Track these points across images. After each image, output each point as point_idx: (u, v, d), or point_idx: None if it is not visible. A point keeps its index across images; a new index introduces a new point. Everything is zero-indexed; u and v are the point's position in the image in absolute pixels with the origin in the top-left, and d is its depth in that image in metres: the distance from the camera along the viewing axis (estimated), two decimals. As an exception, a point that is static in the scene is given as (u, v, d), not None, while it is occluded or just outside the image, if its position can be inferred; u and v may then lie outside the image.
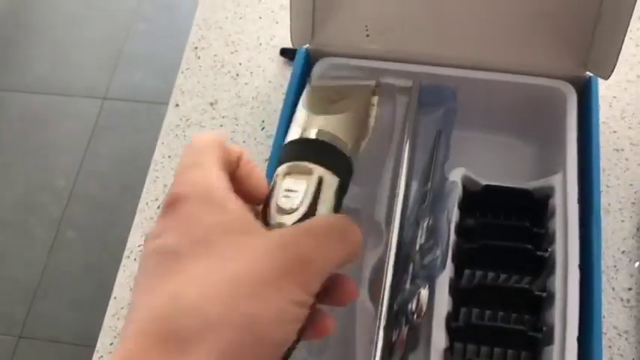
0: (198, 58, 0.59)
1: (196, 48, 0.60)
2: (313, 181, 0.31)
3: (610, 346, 0.45)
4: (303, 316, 0.27)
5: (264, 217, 0.31)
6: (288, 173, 0.32)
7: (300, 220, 0.30)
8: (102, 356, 0.47)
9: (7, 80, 1.75)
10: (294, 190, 0.31)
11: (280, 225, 0.30)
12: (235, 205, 0.28)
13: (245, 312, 0.25)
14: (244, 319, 0.24)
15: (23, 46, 1.80)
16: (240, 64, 0.59)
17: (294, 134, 0.34)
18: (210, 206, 0.27)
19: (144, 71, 1.73)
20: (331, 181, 0.32)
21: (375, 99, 0.38)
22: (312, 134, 0.34)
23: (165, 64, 1.72)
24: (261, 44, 0.59)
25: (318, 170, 0.31)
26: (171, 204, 0.27)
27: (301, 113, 0.36)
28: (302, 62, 0.49)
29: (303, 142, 0.33)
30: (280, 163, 0.33)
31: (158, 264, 0.26)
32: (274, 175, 0.32)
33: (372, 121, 0.37)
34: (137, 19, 1.81)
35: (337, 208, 0.32)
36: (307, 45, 0.49)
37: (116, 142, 1.64)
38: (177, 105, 0.57)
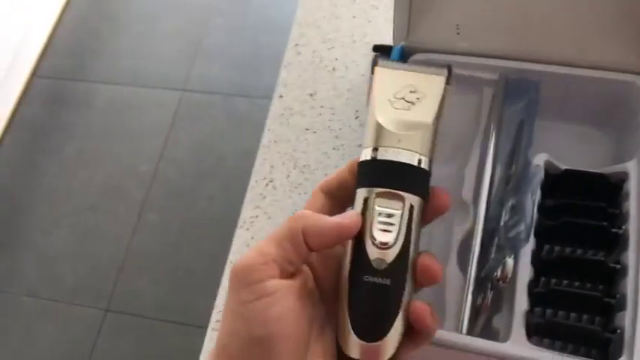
0: (299, 54, 0.66)
1: (297, 45, 0.66)
2: (406, 210, 0.32)
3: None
4: None
5: (357, 244, 0.33)
6: (378, 197, 0.33)
7: (399, 254, 0.32)
8: (220, 311, 0.54)
9: (97, 72, 1.87)
10: (388, 221, 0.32)
11: (380, 262, 0.32)
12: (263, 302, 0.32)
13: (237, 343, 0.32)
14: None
15: (110, 40, 1.91)
16: (336, 59, 0.65)
17: (378, 152, 0.33)
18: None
19: (220, 64, 1.82)
20: (419, 206, 0.33)
21: (448, 90, 0.35)
22: (399, 156, 0.33)
23: (240, 58, 1.81)
24: (355, 41, 0.66)
25: (409, 198, 0.32)
26: (231, 273, 0.33)
27: (376, 124, 0.34)
28: (397, 57, 0.55)
29: (391, 165, 0.33)
30: (367, 182, 0.33)
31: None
32: (362, 196, 0.33)
33: (443, 116, 0.35)
34: (214, 14, 1.90)
35: (420, 227, 0.34)
36: (403, 42, 0.55)
37: (194, 131, 1.73)
38: (280, 96, 0.64)
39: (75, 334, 1.50)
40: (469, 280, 0.47)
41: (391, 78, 0.35)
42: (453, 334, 0.45)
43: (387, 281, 0.32)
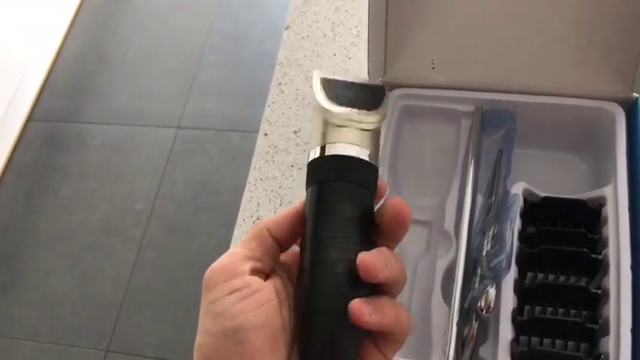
0: (282, 92, 0.67)
1: (280, 84, 0.68)
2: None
3: (664, 340, 0.50)
4: None
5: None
6: None
7: None
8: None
9: (92, 113, 1.89)
10: None
11: None
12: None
13: None
14: None
15: (105, 80, 1.94)
16: (318, 96, 0.66)
17: (323, 148, 0.34)
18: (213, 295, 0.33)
19: (214, 100, 1.84)
20: (374, 194, 0.34)
21: (384, 110, 0.37)
22: (347, 150, 0.33)
23: (233, 93, 1.83)
24: (336, 78, 0.67)
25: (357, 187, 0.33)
26: (205, 277, 0.34)
27: (323, 120, 0.35)
28: (376, 94, 0.56)
29: (348, 160, 0.33)
30: (317, 178, 0.33)
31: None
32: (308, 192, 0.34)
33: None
34: (207, 51, 1.93)
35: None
36: (381, 78, 0.56)
37: (189, 167, 1.74)
38: (265, 134, 0.65)
39: (76, 376, 1.49)
40: (453, 311, 0.48)
41: (333, 85, 0.37)
42: (439, 367, 0.46)
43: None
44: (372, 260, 0.31)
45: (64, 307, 1.57)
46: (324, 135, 0.34)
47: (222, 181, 1.69)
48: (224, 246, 0.59)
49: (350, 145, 0.34)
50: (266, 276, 0.34)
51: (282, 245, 0.35)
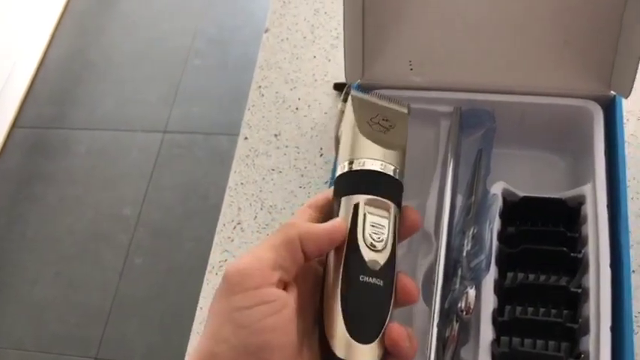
0: (262, 95, 0.67)
1: (260, 87, 0.67)
2: (392, 216, 0.35)
3: (637, 332, 0.50)
4: None
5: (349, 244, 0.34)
6: (368, 204, 0.35)
7: (389, 258, 0.34)
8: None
9: (77, 119, 1.88)
10: (379, 225, 0.34)
11: (375, 263, 0.34)
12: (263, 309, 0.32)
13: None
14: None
15: (90, 85, 1.93)
16: (299, 99, 0.66)
17: (364, 162, 0.36)
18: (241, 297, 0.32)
19: (200, 104, 1.83)
20: (398, 215, 0.36)
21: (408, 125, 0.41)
22: (385, 168, 0.36)
23: (219, 97, 1.82)
24: (316, 80, 0.67)
25: (393, 208, 0.35)
26: (224, 276, 0.32)
27: (359, 139, 0.37)
28: (355, 95, 0.56)
29: (380, 176, 0.36)
30: (353, 190, 0.35)
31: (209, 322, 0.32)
32: (350, 203, 0.35)
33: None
34: (192, 55, 1.92)
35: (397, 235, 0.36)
36: (359, 80, 0.56)
37: (177, 172, 1.73)
38: (245, 138, 0.64)
39: (64, 384, 1.48)
40: (434, 312, 0.47)
41: (364, 105, 0.39)
42: (420, 369, 0.45)
43: (381, 282, 0.34)
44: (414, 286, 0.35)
45: (51, 315, 1.55)
46: (352, 149, 0.37)
47: (210, 185, 1.69)
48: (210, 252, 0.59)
49: (378, 161, 0.36)
50: (286, 285, 0.33)
51: (306, 258, 0.33)
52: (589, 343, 0.44)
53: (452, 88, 0.56)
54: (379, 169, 0.36)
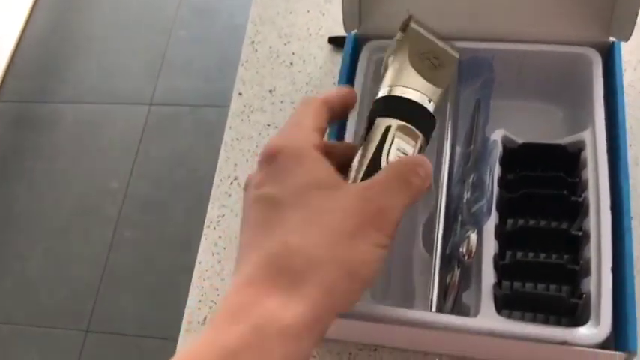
0: (256, 51, 0.66)
1: (253, 42, 0.66)
2: (417, 147, 0.36)
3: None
4: (384, 256, 0.32)
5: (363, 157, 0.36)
6: (399, 130, 0.36)
7: None
8: (192, 312, 0.54)
9: (61, 92, 1.85)
10: (403, 151, 0.36)
11: None
12: (325, 164, 0.33)
13: (341, 256, 0.30)
14: (341, 262, 0.30)
15: (73, 58, 1.90)
16: (293, 53, 0.65)
17: (405, 91, 0.38)
18: (304, 163, 0.33)
19: (186, 76, 1.81)
20: (424, 148, 0.37)
21: (454, 71, 0.44)
22: (424, 101, 0.37)
23: (205, 68, 1.80)
24: (310, 35, 0.66)
25: (421, 139, 0.37)
26: (272, 155, 0.33)
27: (408, 68, 0.39)
28: (351, 46, 0.55)
29: (418, 107, 0.37)
30: (390, 111, 0.37)
31: (261, 213, 0.32)
32: (384, 124, 0.36)
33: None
34: (177, 26, 1.89)
35: None
36: (355, 30, 0.55)
37: (164, 144, 1.72)
38: (240, 94, 0.64)
39: (56, 357, 1.47)
40: (435, 258, 0.48)
41: (420, 39, 0.40)
42: (422, 313, 0.45)
43: None
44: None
45: (41, 289, 1.55)
46: (398, 77, 0.38)
47: (198, 157, 1.67)
48: (203, 222, 0.58)
49: (419, 92, 0.38)
50: None
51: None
52: (590, 284, 0.44)
53: (450, 37, 0.55)
54: (418, 100, 0.37)
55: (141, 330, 1.47)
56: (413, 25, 0.41)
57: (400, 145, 0.36)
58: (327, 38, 0.65)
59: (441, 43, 0.41)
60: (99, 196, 1.67)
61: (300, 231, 0.31)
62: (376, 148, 0.36)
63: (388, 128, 0.36)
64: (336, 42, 0.64)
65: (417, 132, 0.36)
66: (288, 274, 0.30)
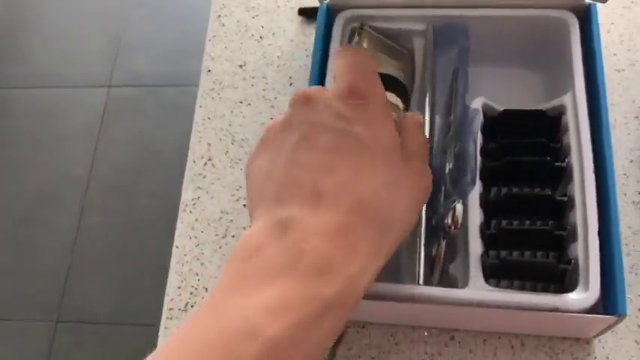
0: (223, 25, 0.63)
1: (219, 16, 0.64)
2: (400, 112, 0.40)
3: (626, 244, 0.51)
4: None
5: None
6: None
7: None
8: (172, 299, 0.52)
9: (14, 78, 1.78)
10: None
11: None
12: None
13: (411, 219, 0.34)
14: (410, 223, 0.34)
15: (24, 44, 1.83)
16: (262, 26, 0.63)
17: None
18: (388, 123, 0.33)
19: (145, 56, 1.76)
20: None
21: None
22: (391, 71, 0.41)
23: (165, 47, 1.76)
24: (279, 7, 0.64)
25: (401, 104, 0.41)
26: (364, 97, 0.32)
27: (373, 55, 0.44)
28: (324, 16, 0.53)
29: (388, 77, 0.41)
30: None
31: (349, 150, 0.31)
32: None
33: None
34: (134, 5, 1.84)
35: None
36: (327, 0, 0.53)
37: (126, 127, 1.68)
38: (209, 71, 0.61)
39: (27, 350, 1.44)
40: (420, 231, 0.47)
41: (373, 39, 0.48)
42: (410, 287, 0.45)
43: None
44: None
45: (7, 282, 1.51)
46: None
47: (162, 139, 1.64)
48: (170, 204, 0.56)
49: (385, 66, 0.44)
50: None
51: None
52: (577, 249, 0.44)
53: (424, 4, 0.54)
54: (393, 74, 0.43)
55: (114, 317, 1.45)
56: (366, 28, 0.47)
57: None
58: (296, 10, 0.63)
59: (390, 42, 0.47)
60: (61, 183, 1.62)
61: (392, 189, 0.32)
62: None
63: None
64: (306, 13, 0.62)
65: (394, 96, 0.42)
66: (380, 224, 0.30)
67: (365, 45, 0.44)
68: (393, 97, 0.41)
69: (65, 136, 1.68)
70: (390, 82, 0.41)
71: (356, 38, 0.45)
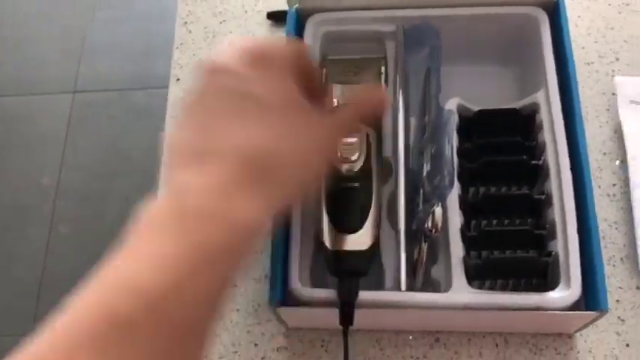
0: (190, 32, 0.62)
1: (186, 23, 0.62)
2: (363, 136, 0.43)
3: (604, 237, 0.51)
4: None
5: None
6: None
7: (363, 166, 0.43)
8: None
9: (-25, 86, 1.73)
10: (349, 144, 0.43)
11: (349, 171, 0.43)
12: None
13: (310, 171, 0.35)
14: (308, 174, 0.35)
15: (-17, 50, 1.78)
16: (230, 32, 0.62)
17: (330, 103, 0.46)
18: (287, 79, 0.34)
19: (110, 59, 1.73)
20: (373, 134, 0.44)
21: (384, 68, 0.50)
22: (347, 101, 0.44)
23: (130, 50, 1.72)
24: (247, 11, 0.63)
25: (364, 128, 0.44)
26: (262, 58, 0.33)
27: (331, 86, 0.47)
28: (294, 21, 0.52)
29: None
30: None
31: (244, 106, 0.32)
32: None
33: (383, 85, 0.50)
34: (97, 7, 1.80)
35: (380, 154, 0.45)
36: (297, 5, 0.52)
37: (93, 133, 1.64)
38: (178, 79, 0.60)
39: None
40: (400, 235, 0.46)
41: (337, 63, 0.50)
42: (393, 293, 0.45)
43: (357, 184, 0.43)
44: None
45: (-22, 296, 1.47)
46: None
47: (131, 143, 1.61)
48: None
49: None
50: None
51: None
52: (557, 247, 0.44)
53: (392, 5, 0.53)
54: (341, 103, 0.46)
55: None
56: (328, 59, 0.51)
57: (345, 141, 0.43)
58: (265, 14, 0.62)
59: (358, 57, 0.50)
60: (30, 193, 1.58)
61: (290, 141, 0.33)
62: None
63: None
64: (275, 17, 0.61)
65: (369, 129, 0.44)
66: (265, 176, 0.31)
67: (334, 74, 0.48)
68: (361, 127, 0.44)
69: (31, 145, 1.64)
70: None
71: (324, 71, 0.48)
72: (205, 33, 0.62)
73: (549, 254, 0.44)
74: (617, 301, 0.50)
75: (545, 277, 0.45)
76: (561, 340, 0.49)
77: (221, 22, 0.62)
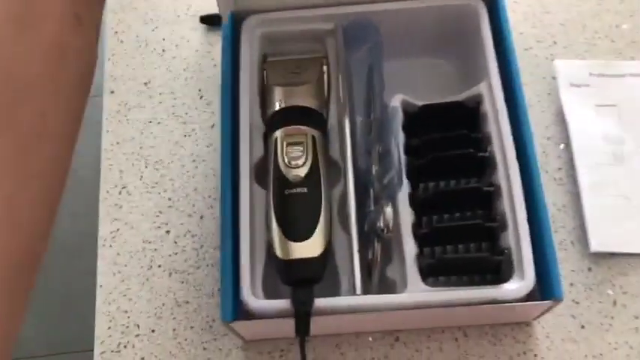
0: (121, 42, 0.60)
1: (117, 32, 0.60)
2: (309, 138, 0.44)
3: (553, 222, 0.51)
4: None
5: (268, 171, 0.44)
6: (286, 135, 0.45)
7: (310, 170, 0.44)
8: (103, 341, 0.49)
9: None
10: (295, 148, 0.44)
11: (295, 177, 0.43)
12: None
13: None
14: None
15: None
16: (163, 39, 0.60)
17: (273, 107, 0.47)
18: None
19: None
20: (319, 136, 0.45)
21: (325, 67, 0.51)
22: (302, 102, 0.47)
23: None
24: (179, 16, 0.61)
25: (310, 131, 0.45)
26: None
27: (271, 88, 0.48)
28: (230, 25, 0.51)
29: (288, 110, 0.47)
30: (273, 129, 0.46)
31: None
32: (273, 138, 0.45)
33: (326, 84, 0.50)
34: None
35: (327, 154, 0.46)
36: (231, 8, 0.51)
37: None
38: (112, 92, 0.58)
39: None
40: (352, 237, 0.46)
41: (277, 64, 0.50)
42: (349, 298, 0.44)
43: (305, 190, 0.43)
44: None
45: None
46: (269, 102, 0.49)
47: (76, 160, 1.56)
48: (93, 225, 0.53)
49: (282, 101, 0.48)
50: None
51: None
52: (509, 238, 0.44)
53: (328, 3, 0.52)
54: (284, 106, 0.47)
55: (52, 348, 1.38)
56: (268, 60, 0.50)
57: (290, 146, 0.44)
58: (198, 18, 0.60)
59: (297, 57, 0.50)
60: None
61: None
62: (274, 158, 0.45)
63: (276, 139, 0.45)
64: (209, 21, 0.59)
65: (300, 127, 0.45)
66: None
67: (275, 76, 0.48)
68: (306, 129, 0.45)
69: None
70: (303, 115, 0.46)
71: (265, 74, 0.49)
72: (137, 42, 0.59)
73: (501, 253, 0.44)
74: (571, 284, 0.50)
75: (498, 272, 0.45)
76: (519, 328, 0.49)
77: (153, 30, 0.60)
